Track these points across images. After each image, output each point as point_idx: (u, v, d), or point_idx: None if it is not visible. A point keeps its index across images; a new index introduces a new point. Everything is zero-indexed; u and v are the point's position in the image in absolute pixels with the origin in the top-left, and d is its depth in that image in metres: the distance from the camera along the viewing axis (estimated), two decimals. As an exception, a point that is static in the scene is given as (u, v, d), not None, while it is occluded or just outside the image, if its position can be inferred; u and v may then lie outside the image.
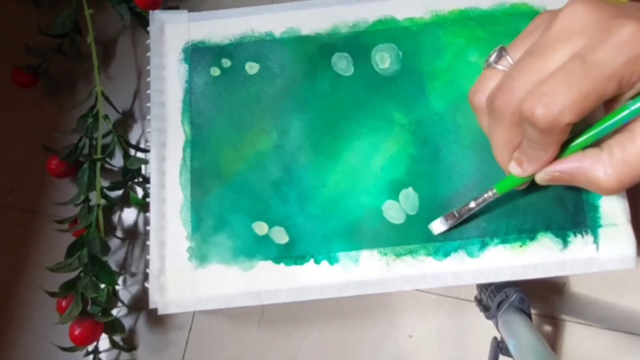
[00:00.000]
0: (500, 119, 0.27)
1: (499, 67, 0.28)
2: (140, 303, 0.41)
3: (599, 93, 0.24)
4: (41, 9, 0.48)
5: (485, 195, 0.31)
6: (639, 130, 0.25)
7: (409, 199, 0.34)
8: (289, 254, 0.33)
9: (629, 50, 0.23)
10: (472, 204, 0.32)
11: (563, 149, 0.27)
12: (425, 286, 0.33)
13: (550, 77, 0.24)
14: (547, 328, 0.37)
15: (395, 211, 0.34)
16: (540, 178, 0.28)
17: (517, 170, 0.28)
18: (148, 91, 0.37)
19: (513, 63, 0.27)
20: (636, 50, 0.23)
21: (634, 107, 0.25)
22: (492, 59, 0.28)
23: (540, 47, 0.26)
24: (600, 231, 0.33)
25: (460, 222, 0.33)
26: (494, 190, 0.31)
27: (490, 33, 0.36)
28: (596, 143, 0.27)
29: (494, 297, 0.33)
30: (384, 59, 0.37)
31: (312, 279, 0.33)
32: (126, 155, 0.41)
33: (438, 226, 0.33)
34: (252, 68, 0.37)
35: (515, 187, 0.30)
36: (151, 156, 0.36)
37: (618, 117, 0.26)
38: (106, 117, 0.42)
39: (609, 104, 0.26)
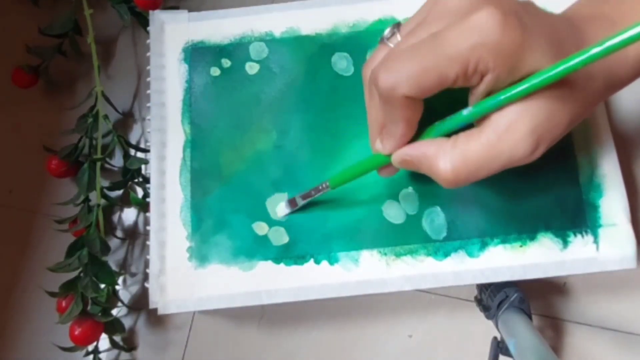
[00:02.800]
0: (373, 95, 0.27)
1: (389, 43, 0.28)
2: (140, 303, 0.41)
3: (440, 71, 0.23)
4: (41, 9, 0.48)
5: (319, 186, 0.32)
6: (487, 127, 0.25)
7: (409, 198, 0.34)
8: (289, 254, 0.33)
9: (478, 36, 0.22)
10: (312, 192, 0.32)
11: (424, 134, 0.27)
12: (425, 286, 0.33)
13: (403, 49, 0.24)
14: (547, 328, 0.37)
15: (395, 211, 0.34)
16: (393, 160, 0.28)
17: (379, 146, 0.28)
18: (148, 91, 0.37)
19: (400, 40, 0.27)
20: (485, 37, 0.22)
21: (465, 112, 0.25)
22: (385, 34, 0.28)
23: (417, 27, 0.26)
24: (600, 231, 0.33)
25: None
26: (327, 183, 0.32)
27: (490, 33, 0.36)
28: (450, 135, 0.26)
29: (494, 297, 0.33)
30: (384, 59, 0.37)
31: (312, 279, 0.33)
32: (126, 155, 0.41)
33: (282, 210, 0.34)
34: (252, 68, 0.37)
35: (350, 178, 0.31)
36: (151, 156, 0.36)
37: (455, 119, 0.26)
38: (106, 117, 0.42)
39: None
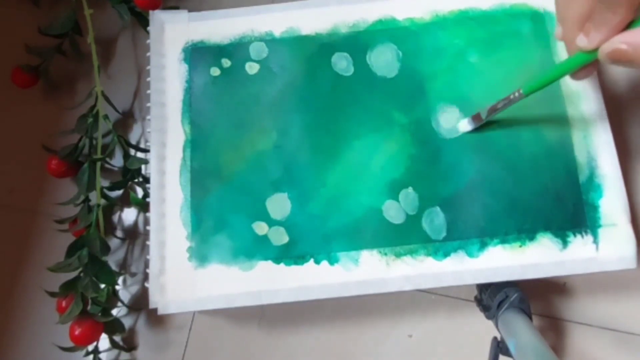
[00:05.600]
0: None
1: None
2: (140, 303, 0.41)
3: None
4: (41, 9, 0.48)
5: (511, 96, 0.31)
6: None
7: (409, 199, 0.34)
8: (289, 254, 0.33)
9: None
10: (500, 104, 0.32)
11: (632, 24, 0.25)
12: (425, 286, 0.33)
13: None
14: (547, 328, 0.37)
15: (395, 211, 0.34)
16: (603, 50, 0.26)
17: (583, 41, 0.27)
18: (148, 91, 0.37)
19: None
20: None
21: None
22: None
23: None
24: (600, 231, 0.33)
25: (462, 219, 0.33)
26: (520, 91, 0.31)
27: (490, 33, 0.36)
28: None
29: (494, 297, 0.33)
30: (383, 59, 0.37)
31: (312, 279, 0.33)
32: (126, 155, 0.41)
33: (464, 125, 0.34)
34: (252, 68, 0.37)
35: (547, 83, 0.30)
36: (151, 156, 0.36)
37: None
38: (106, 117, 0.42)
39: None
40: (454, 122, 0.35)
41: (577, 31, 0.27)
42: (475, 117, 0.33)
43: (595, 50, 0.27)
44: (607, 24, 0.25)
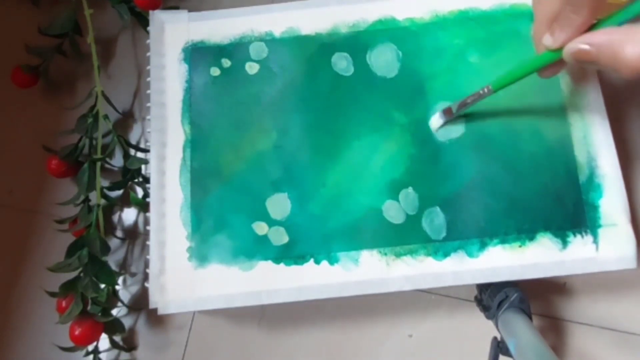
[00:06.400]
0: None
1: None
2: (140, 303, 0.41)
3: None
4: (41, 9, 0.48)
5: (480, 91, 0.32)
6: None
7: (409, 199, 0.34)
8: (289, 254, 0.33)
9: None
10: (469, 99, 0.32)
11: (596, 26, 0.26)
12: (425, 286, 0.33)
13: None
14: (547, 328, 0.37)
15: (395, 211, 0.34)
16: (567, 50, 0.27)
17: (549, 40, 0.27)
18: (148, 91, 0.37)
19: None
20: None
21: None
22: None
23: None
24: (600, 231, 0.33)
25: (457, 217, 0.33)
26: (490, 87, 0.31)
27: (490, 33, 0.36)
28: (634, 21, 0.25)
29: (494, 297, 0.33)
30: (383, 59, 0.37)
31: (312, 279, 0.33)
32: (126, 155, 0.41)
33: (436, 120, 0.34)
34: (252, 68, 0.37)
35: (514, 79, 0.30)
36: (151, 156, 0.36)
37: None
38: (106, 117, 0.42)
39: None
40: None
41: (545, 30, 0.28)
42: (447, 111, 0.34)
43: (560, 49, 0.27)
44: (571, 25, 0.26)
